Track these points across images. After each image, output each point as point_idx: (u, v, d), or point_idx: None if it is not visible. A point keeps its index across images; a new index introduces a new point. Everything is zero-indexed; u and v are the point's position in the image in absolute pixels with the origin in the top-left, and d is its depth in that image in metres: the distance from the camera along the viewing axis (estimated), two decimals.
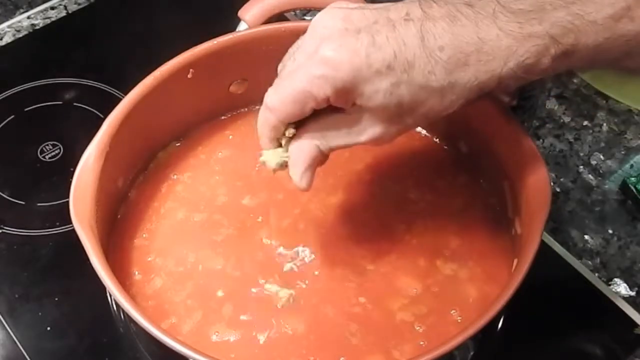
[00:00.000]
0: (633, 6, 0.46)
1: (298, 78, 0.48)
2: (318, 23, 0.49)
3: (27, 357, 0.60)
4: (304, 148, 0.51)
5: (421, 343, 0.54)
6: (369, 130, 0.50)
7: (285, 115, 0.50)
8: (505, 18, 0.46)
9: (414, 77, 0.47)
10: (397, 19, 0.47)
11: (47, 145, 0.73)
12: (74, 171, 0.55)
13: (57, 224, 0.67)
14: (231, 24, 0.66)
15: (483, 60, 0.47)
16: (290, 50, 0.51)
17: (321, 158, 0.52)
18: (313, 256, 0.58)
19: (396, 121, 0.49)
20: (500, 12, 0.46)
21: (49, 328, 0.62)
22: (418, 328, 0.55)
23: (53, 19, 0.85)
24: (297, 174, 0.51)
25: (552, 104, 0.77)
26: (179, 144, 0.66)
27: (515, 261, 0.54)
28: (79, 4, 0.87)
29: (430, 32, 0.46)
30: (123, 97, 0.60)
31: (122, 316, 0.61)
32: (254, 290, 0.57)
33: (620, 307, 0.63)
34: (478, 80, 0.47)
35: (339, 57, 0.47)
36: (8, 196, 0.70)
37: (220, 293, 0.57)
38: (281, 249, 0.59)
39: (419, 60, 0.46)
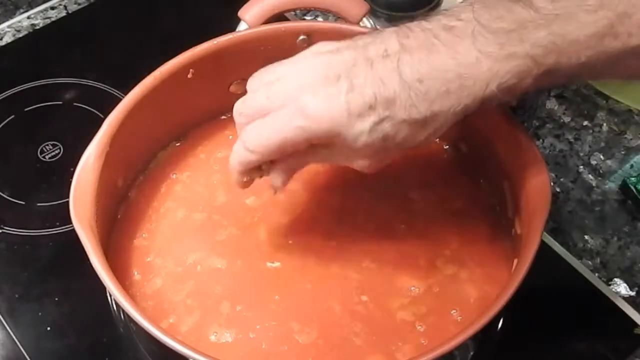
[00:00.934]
0: (616, 23, 0.45)
1: (278, 125, 0.48)
2: (298, 70, 0.49)
3: (27, 357, 0.60)
4: (292, 159, 0.52)
5: (423, 342, 0.54)
6: (356, 162, 0.51)
7: (266, 157, 0.50)
8: (484, 39, 0.46)
9: (396, 113, 0.47)
10: (375, 57, 0.47)
11: (47, 145, 0.74)
12: (74, 171, 0.55)
13: (57, 224, 0.67)
14: (231, 24, 0.66)
15: (464, 86, 0.46)
16: (264, 91, 0.50)
17: (303, 166, 0.53)
18: (314, 255, 0.58)
19: (382, 153, 0.50)
20: (479, 33, 0.46)
21: (49, 328, 0.62)
22: (419, 327, 0.55)
23: (53, 19, 0.85)
24: (278, 176, 0.52)
25: (552, 104, 0.77)
26: (179, 144, 0.66)
27: (515, 261, 0.54)
28: (79, 4, 0.87)
29: (408, 65, 0.46)
30: (123, 97, 0.60)
31: (122, 316, 0.61)
32: (254, 290, 0.57)
33: (620, 307, 0.63)
34: (461, 106, 0.47)
35: (318, 108, 0.47)
36: (8, 196, 0.70)
37: (219, 293, 0.57)
38: (283, 248, 0.59)
39: (400, 96, 0.47)
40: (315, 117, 0.47)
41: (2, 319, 0.62)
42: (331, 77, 0.47)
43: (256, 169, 0.53)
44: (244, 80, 0.65)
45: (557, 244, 0.67)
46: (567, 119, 0.76)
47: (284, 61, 0.51)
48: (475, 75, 0.46)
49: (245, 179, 0.53)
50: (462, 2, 0.48)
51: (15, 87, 0.78)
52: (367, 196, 0.62)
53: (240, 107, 0.52)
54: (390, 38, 0.48)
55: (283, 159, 0.52)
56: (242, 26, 0.65)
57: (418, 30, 0.48)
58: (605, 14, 0.46)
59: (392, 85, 0.47)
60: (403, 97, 0.47)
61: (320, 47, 0.50)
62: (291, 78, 0.49)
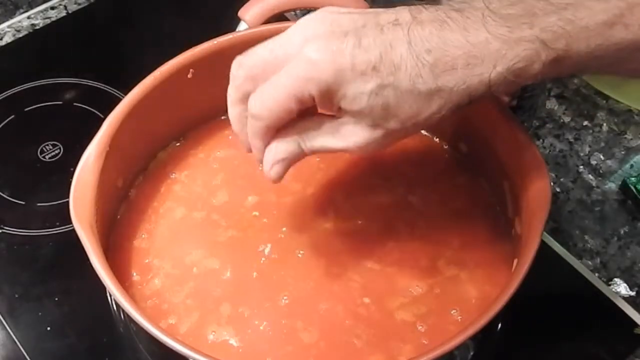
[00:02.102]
0: (626, 13, 0.45)
1: (281, 82, 0.47)
2: (304, 24, 0.49)
3: (27, 357, 0.60)
4: (284, 142, 0.50)
5: (424, 342, 0.54)
6: (353, 136, 0.49)
7: (274, 121, 0.49)
8: (494, 22, 0.46)
9: (400, 80, 0.46)
10: (386, 24, 0.47)
11: (47, 145, 0.73)
12: (74, 171, 0.55)
13: (57, 224, 0.67)
14: (231, 24, 0.66)
15: (471, 64, 0.46)
16: (267, 44, 0.50)
17: (299, 156, 0.51)
18: (315, 256, 0.58)
19: (380, 126, 0.48)
20: (489, 17, 0.46)
21: (49, 328, 0.62)
22: (420, 328, 0.55)
23: (53, 19, 0.85)
24: (269, 163, 0.51)
25: (552, 104, 0.77)
26: (178, 144, 0.66)
27: (515, 261, 0.54)
28: (79, 4, 0.87)
29: (418, 36, 0.46)
30: (123, 97, 0.60)
31: (122, 316, 0.61)
32: (254, 289, 0.57)
33: (620, 307, 0.63)
34: (466, 84, 0.47)
35: (322, 58, 0.46)
36: (8, 196, 0.70)
37: (219, 293, 0.57)
38: (282, 248, 0.59)
39: (406, 63, 0.46)
40: (319, 65, 0.46)
41: (2, 319, 0.62)
42: (338, 32, 0.47)
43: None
44: None
45: (557, 244, 0.67)
46: (567, 119, 0.76)
47: (299, 20, 0.50)
48: (483, 54, 0.46)
49: (258, 152, 0.51)
50: None
51: (15, 87, 0.78)
52: (368, 197, 0.62)
53: (241, 59, 0.50)
54: (403, 10, 0.47)
55: (289, 127, 0.50)
56: (242, 26, 0.66)
57: (431, 9, 0.47)
58: (616, 3, 0.46)
59: (400, 51, 0.46)
60: (409, 65, 0.46)
61: (328, 7, 0.49)
62: (296, 31, 0.48)
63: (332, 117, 0.49)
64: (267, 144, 0.51)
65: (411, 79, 0.46)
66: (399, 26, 0.47)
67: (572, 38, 0.46)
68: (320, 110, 0.49)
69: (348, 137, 0.49)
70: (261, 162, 0.52)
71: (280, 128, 0.50)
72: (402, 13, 0.47)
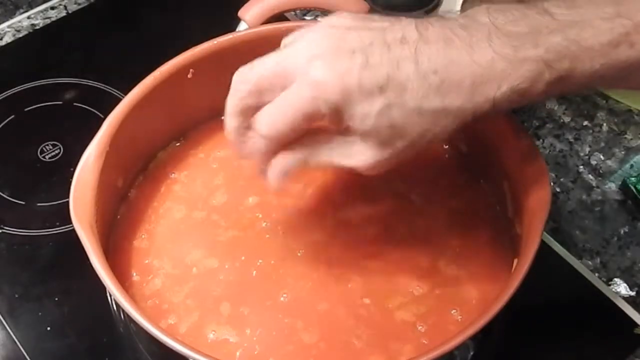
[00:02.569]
0: (632, 32, 0.45)
1: (290, 102, 0.47)
2: (310, 39, 0.48)
3: (27, 357, 0.60)
4: (291, 156, 0.50)
5: (424, 342, 0.54)
6: (361, 155, 0.49)
7: (280, 141, 0.49)
8: (499, 41, 0.46)
9: (407, 100, 0.46)
10: (393, 41, 0.47)
11: (47, 145, 0.73)
12: (74, 171, 0.55)
13: (57, 224, 0.67)
14: (231, 24, 0.66)
15: (477, 84, 0.46)
16: (272, 58, 0.49)
17: (305, 167, 0.51)
18: (315, 256, 0.58)
19: (388, 146, 0.48)
20: (495, 35, 0.46)
21: (49, 328, 0.62)
22: (420, 328, 0.55)
23: (53, 19, 0.85)
24: (275, 175, 0.51)
25: (552, 104, 0.77)
26: (179, 144, 0.66)
27: (515, 261, 0.54)
28: (79, 4, 0.87)
29: (425, 55, 0.46)
30: (123, 97, 0.60)
31: (122, 316, 0.61)
32: (254, 289, 0.57)
33: (620, 307, 0.63)
34: (472, 104, 0.47)
35: (330, 78, 0.46)
36: (8, 196, 0.70)
37: (219, 293, 0.57)
38: (282, 248, 0.59)
39: (412, 83, 0.46)
40: (327, 87, 0.46)
41: (2, 319, 0.62)
42: (345, 50, 0.46)
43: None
44: None
45: (557, 244, 0.67)
46: (567, 119, 0.76)
47: (300, 30, 0.50)
48: (489, 74, 0.46)
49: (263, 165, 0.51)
50: (477, 7, 0.48)
51: (15, 87, 0.78)
52: (368, 197, 0.62)
53: (244, 72, 0.50)
54: (409, 26, 0.47)
55: (296, 142, 0.50)
56: (242, 26, 0.66)
57: (437, 25, 0.47)
58: (622, 22, 0.45)
59: (407, 71, 0.46)
60: (416, 85, 0.46)
61: (335, 20, 0.49)
62: (302, 48, 0.48)
63: (341, 133, 0.49)
64: (270, 158, 0.50)
65: (418, 99, 0.46)
66: (405, 44, 0.46)
67: (577, 58, 0.46)
68: (328, 126, 0.49)
69: (356, 155, 0.49)
70: (262, 172, 0.52)
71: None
72: (409, 29, 0.47)
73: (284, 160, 0.50)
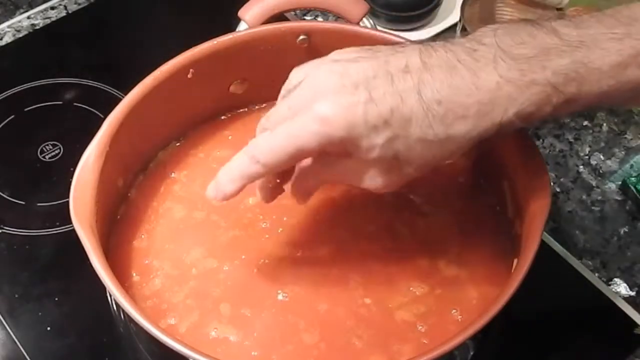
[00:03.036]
0: None
1: (291, 132, 0.47)
2: (313, 75, 0.48)
3: (27, 357, 0.60)
4: (308, 179, 0.51)
5: (424, 342, 0.54)
6: (368, 179, 0.50)
7: (273, 168, 0.49)
8: (505, 65, 0.45)
9: (411, 132, 0.46)
10: (396, 72, 0.47)
11: (47, 145, 0.73)
12: (74, 171, 0.55)
13: (57, 224, 0.67)
14: (231, 24, 0.66)
15: (482, 111, 0.46)
16: (285, 102, 0.50)
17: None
18: (315, 256, 0.58)
19: (395, 172, 0.49)
20: (500, 58, 0.46)
21: (49, 328, 0.62)
22: (420, 328, 0.55)
23: (53, 19, 0.85)
24: (298, 194, 0.53)
25: None
26: (179, 144, 0.66)
27: (515, 261, 0.54)
28: (79, 4, 0.87)
29: (428, 85, 0.46)
30: (123, 97, 0.60)
31: (122, 316, 0.61)
32: (253, 289, 0.57)
33: (620, 307, 0.63)
34: (477, 131, 0.47)
35: (334, 114, 0.46)
36: (8, 196, 0.70)
37: (219, 293, 0.57)
38: (282, 248, 0.59)
39: (416, 115, 0.46)
40: (331, 122, 0.46)
41: (2, 319, 0.62)
42: (349, 85, 0.47)
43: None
44: (244, 80, 0.66)
45: (557, 244, 0.67)
46: (567, 119, 0.76)
47: (304, 65, 0.50)
48: (494, 101, 0.46)
49: (235, 190, 0.51)
50: (484, 28, 0.48)
51: (15, 87, 0.78)
52: (368, 198, 0.62)
53: (264, 123, 0.51)
54: (413, 54, 0.47)
55: (299, 177, 0.51)
56: (242, 26, 0.66)
57: (441, 51, 0.47)
58: (631, 44, 0.45)
59: (410, 103, 0.46)
60: (420, 116, 0.46)
61: (338, 55, 0.49)
62: (307, 85, 0.48)
63: (349, 160, 0.49)
64: (245, 185, 0.50)
65: (422, 130, 0.46)
66: (408, 74, 0.46)
67: (585, 80, 0.45)
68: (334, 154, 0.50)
69: (366, 180, 0.50)
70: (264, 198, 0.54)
71: (300, 166, 0.51)
72: (412, 57, 0.47)
73: (306, 184, 0.52)
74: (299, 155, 0.48)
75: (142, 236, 0.60)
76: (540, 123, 0.75)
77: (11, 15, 0.86)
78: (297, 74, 0.50)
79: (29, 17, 0.86)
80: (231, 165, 0.50)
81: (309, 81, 0.48)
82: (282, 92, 0.51)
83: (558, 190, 0.71)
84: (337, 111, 0.46)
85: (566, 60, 0.45)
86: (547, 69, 0.45)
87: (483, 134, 0.47)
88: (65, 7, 0.87)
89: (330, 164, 0.50)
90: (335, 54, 0.50)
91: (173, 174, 0.64)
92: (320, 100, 0.47)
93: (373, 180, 0.50)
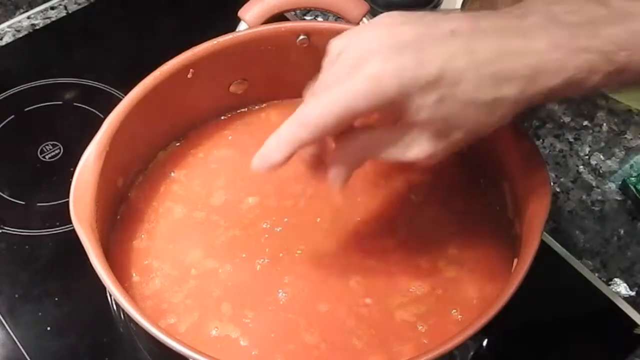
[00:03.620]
0: None
1: (340, 94, 0.46)
2: (361, 38, 0.47)
3: (27, 357, 0.60)
4: (351, 154, 0.50)
5: (424, 342, 0.54)
6: (416, 147, 0.48)
7: (321, 132, 0.48)
8: (556, 31, 0.45)
9: (461, 92, 0.46)
10: (444, 34, 0.46)
11: (47, 145, 0.73)
12: (74, 171, 0.55)
13: (57, 224, 0.67)
14: (231, 24, 0.66)
15: (532, 74, 0.45)
16: (333, 47, 0.49)
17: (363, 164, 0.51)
18: (315, 256, 0.58)
19: (444, 137, 0.48)
20: (551, 25, 0.45)
21: (49, 328, 0.62)
22: (420, 328, 0.55)
23: (53, 19, 0.85)
24: (340, 176, 0.50)
25: (552, 104, 0.77)
26: (179, 144, 0.66)
27: (515, 261, 0.54)
28: (79, 4, 0.87)
29: (479, 46, 0.45)
30: (123, 97, 0.60)
31: (122, 316, 0.61)
32: (253, 289, 0.57)
33: (620, 307, 0.63)
34: (526, 95, 0.46)
35: (385, 73, 0.45)
36: (8, 196, 0.70)
37: (219, 293, 0.57)
38: (282, 248, 0.59)
39: (466, 76, 0.45)
40: (382, 82, 0.45)
41: (2, 319, 0.62)
42: (398, 46, 0.46)
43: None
44: (244, 80, 0.66)
45: (557, 244, 0.67)
46: (567, 119, 0.76)
47: (343, 35, 0.49)
48: (544, 66, 0.45)
49: (282, 158, 0.49)
50: None
51: (15, 87, 0.78)
52: (368, 197, 0.62)
53: (310, 94, 0.49)
54: (462, 18, 0.47)
55: (340, 150, 0.49)
56: (242, 26, 0.65)
57: (491, 17, 0.46)
58: None
59: (460, 64, 0.45)
60: (470, 78, 0.45)
61: (385, 18, 0.48)
62: (353, 49, 0.47)
63: (388, 127, 0.48)
64: (292, 154, 0.49)
65: (471, 92, 0.46)
66: (458, 37, 0.46)
67: (636, 49, 0.45)
68: (380, 122, 0.49)
69: (412, 148, 0.48)
70: (272, 164, 0.50)
71: (342, 139, 0.50)
72: (461, 21, 0.46)
73: (348, 159, 0.50)
74: (348, 117, 0.47)
75: (142, 236, 0.60)
76: (540, 122, 0.75)
77: (11, 15, 0.86)
78: (338, 43, 0.49)
79: (29, 17, 0.86)
80: (279, 132, 0.49)
81: (354, 45, 0.47)
82: (325, 64, 0.49)
83: (558, 190, 0.71)
84: (388, 70, 0.45)
85: (617, 29, 0.45)
86: (597, 37, 0.45)
87: (532, 99, 0.46)
88: (65, 7, 0.87)
89: (374, 135, 0.49)
90: (379, 18, 0.48)
91: (173, 173, 0.64)
92: (369, 60, 0.46)
93: (419, 148, 0.48)
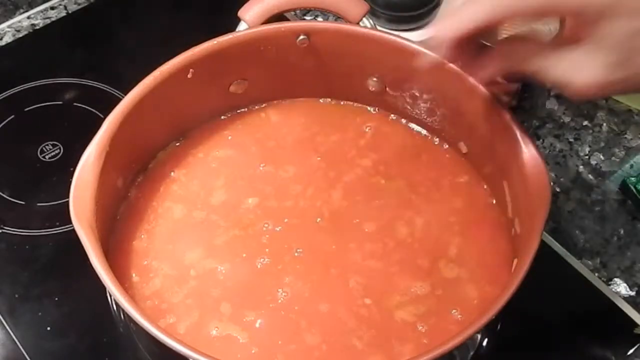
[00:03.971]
0: None
1: None
2: None
3: (27, 357, 0.60)
4: (511, 53, 0.48)
5: (424, 342, 0.54)
6: (586, 69, 0.45)
7: (489, 22, 0.45)
8: None
9: None
10: None
11: (47, 145, 0.73)
12: (74, 171, 0.55)
13: (57, 224, 0.67)
14: (231, 24, 0.66)
15: None
16: None
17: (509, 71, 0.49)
18: (315, 256, 0.58)
19: (624, 68, 0.44)
20: None
21: (49, 328, 0.62)
22: (420, 328, 0.55)
23: (53, 19, 0.85)
24: (485, 76, 0.49)
25: (552, 104, 0.77)
26: (178, 144, 0.66)
27: (515, 261, 0.54)
28: (79, 4, 0.87)
29: None
30: (123, 97, 0.60)
31: (122, 316, 0.61)
32: (253, 289, 0.57)
33: (620, 307, 0.63)
34: None
35: None
36: (8, 196, 0.70)
37: (219, 293, 0.57)
38: (282, 248, 0.59)
39: None
40: None
41: (2, 319, 0.62)
42: None
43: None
44: (244, 80, 0.66)
45: (557, 244, 0.67)
46: (567, 119, 0.76)
47: None
48: None
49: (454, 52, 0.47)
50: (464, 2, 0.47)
51: (15, 87, 0.78)
52: (368, 196, 0.62)
53: None
54: None
55: (507, 49, 0.48)
56: (242, 26, 0.65)
57: None
58: None
59: None
60: None
61: None
62: None
63: (570, 46, 0.46)
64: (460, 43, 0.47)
65: None
66: None
67: None
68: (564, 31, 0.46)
69: (580, 69, 0.46)
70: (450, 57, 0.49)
71: (508, 42, 0.48)
72: None
73: (504, 62, 0.48)
74: (551, 11, 0.45)
75: (142, 236, 0.60)
76: (540, 122, 0.75)
77: (11, 15, 0.86)
78: None
79: (29, 17, 0.86)
80: (446, 22, 0.48)
81: None
82: None
83: (558, 190, 0.71)
84: None
85: None
86: None
87: None
88: (65, 7, 0.87)
89: (546, 46, 0.47)
90: None
91: (173, 173, 0.64)
92: None
93: (587, 69, 0.45)
